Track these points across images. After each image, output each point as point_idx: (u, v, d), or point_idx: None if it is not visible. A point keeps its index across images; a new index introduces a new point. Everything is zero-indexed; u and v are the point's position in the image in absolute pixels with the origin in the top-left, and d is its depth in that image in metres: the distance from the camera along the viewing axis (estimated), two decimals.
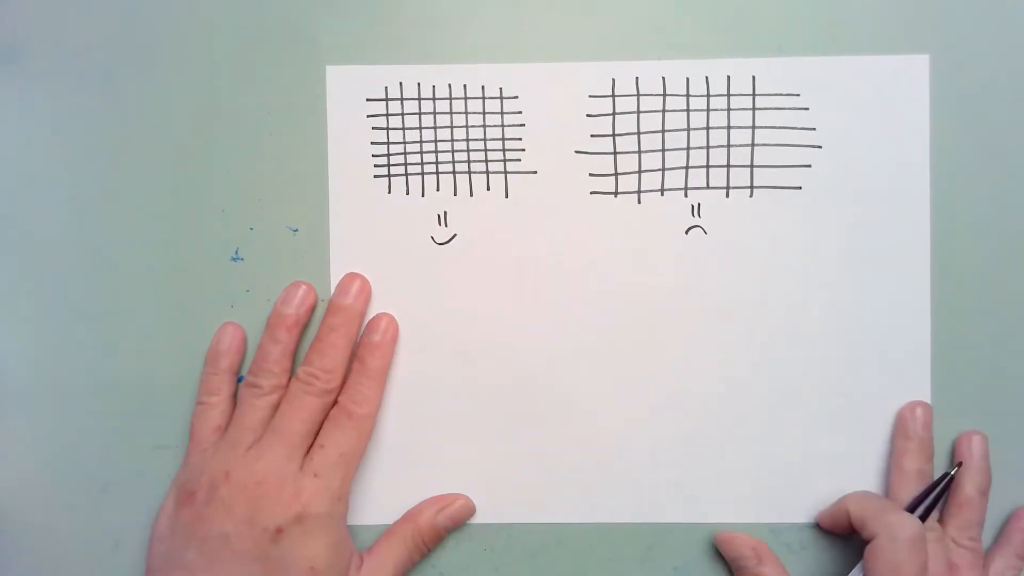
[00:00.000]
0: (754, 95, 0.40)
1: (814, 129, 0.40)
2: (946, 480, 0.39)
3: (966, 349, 0.40)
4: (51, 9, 0.41)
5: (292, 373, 0.41)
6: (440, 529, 0.41)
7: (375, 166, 0.41)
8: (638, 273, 0.41)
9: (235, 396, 0.41)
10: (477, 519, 0.41)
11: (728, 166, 0.40)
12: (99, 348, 0.42)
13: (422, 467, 0.41)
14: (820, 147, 0.40)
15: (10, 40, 0.41)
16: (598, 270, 0.41)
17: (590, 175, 0.41)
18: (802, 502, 0.41)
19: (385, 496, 0.41)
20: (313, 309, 0.41)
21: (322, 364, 0.39)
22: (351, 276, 0.41)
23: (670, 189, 0.41)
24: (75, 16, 0.41)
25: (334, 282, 0.41)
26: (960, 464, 0.40)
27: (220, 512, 0.37)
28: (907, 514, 0.37)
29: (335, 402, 0.40)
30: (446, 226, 0.41)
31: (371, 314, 0.41)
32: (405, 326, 0.41)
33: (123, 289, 0.42)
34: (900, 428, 0.40)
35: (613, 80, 0.40)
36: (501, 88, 0.41)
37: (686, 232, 0.41)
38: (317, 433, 0.39)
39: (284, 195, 0.41)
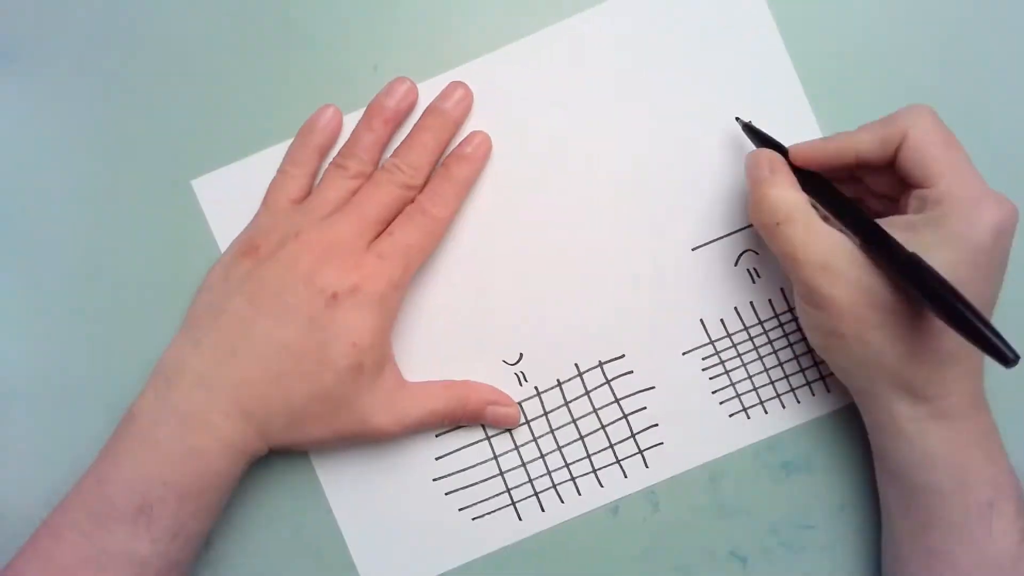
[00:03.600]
0: None
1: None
2: None
3: None
4: (51, 9, 0.42)
5: (377, 167, 0.41)
6: (481, 418, 0.41)
7: None
8: None
9: (315, 175, 0.41)
10: None
11: None
12: (99, 348, 0.42)
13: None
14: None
15: (10, 40, 0.42)
16: None
17: None
18: None
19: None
20: (413, 108, 0.41)
21: (407, 158, 0.40)
22: (455, 84, 0.41)
23: None
24: (75, 16, 0.42)
25: None
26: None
27: (280, 267, 0.38)
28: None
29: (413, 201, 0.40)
30: None
31: None
32: None
33: (123, 289, 0.42)
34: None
35: None
36: None
37: None
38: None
39: None
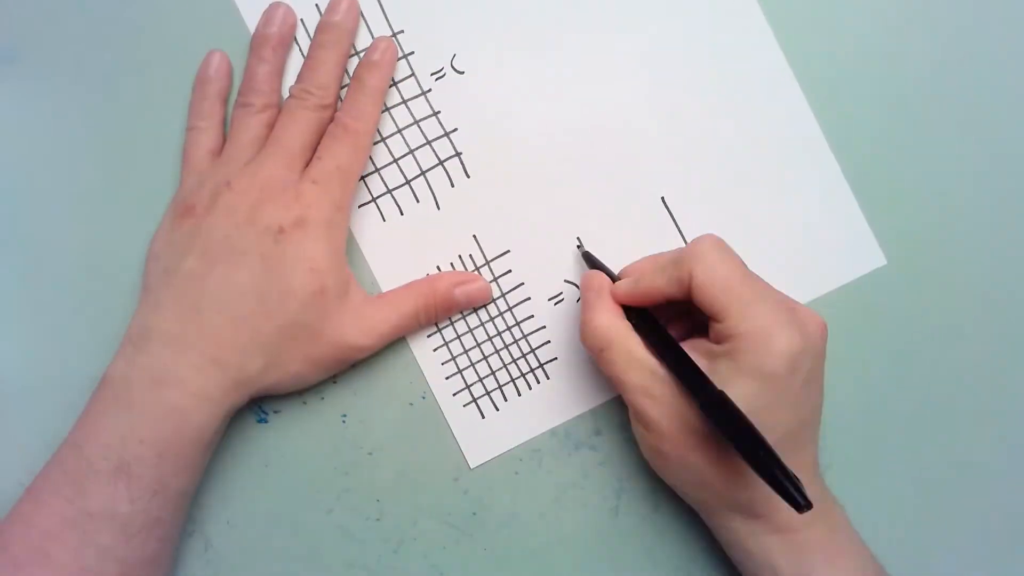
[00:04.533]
0: None
1: None
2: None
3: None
4: (50, 9, 0.42)
5: (282, 96, 0.40)
6: (453, 303, 0.41)
7: None
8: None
9: (224, 123, 0.41)
10: None
11: None
12: (99, 348, 0.41)
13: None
14: None
15: (10, 40, 0.42)
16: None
17: None
18: None
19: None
20: (295, 30, 0.41)
21: (313, 80, 0.39)
22: None
23: None
24: (74, 16, 0.42)
25: None
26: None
27: (221, 217, 0.38)
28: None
29: (331, 120, 0.40)
30: None
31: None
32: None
33: (123, 289, 0.42)
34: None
35: None
36: None
37: None
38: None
39: None
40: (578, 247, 0.42)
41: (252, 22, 0.42)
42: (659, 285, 0.36)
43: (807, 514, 0.31)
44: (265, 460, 0.42)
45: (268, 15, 0.41)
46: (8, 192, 0.42)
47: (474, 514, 0.42)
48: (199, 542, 0.42)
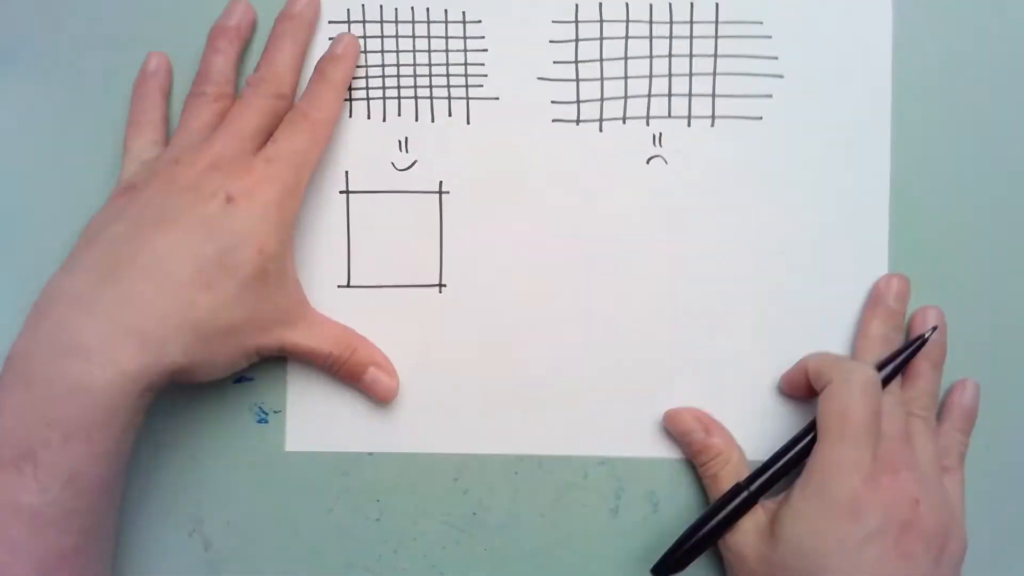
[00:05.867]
0: (717, 23, 0.40)
1: (776, 58, 0.40)
2: (916, 343, 0.38)
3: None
4: (50, 9, 0.41)
5: (237, 89, 0.40)
6: (360, 376, 0.39)
7: None
8: (599, 202, 0.40)
9: (166, 119, 0.40)
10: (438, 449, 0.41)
11: (690, 95, 0.40)
12: None
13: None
14: (782, 76, 0.40)
15: (10, 40, 0.42)
16: (559, 198, 0.40)
17: (552, 102, 0.40)
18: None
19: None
20: (254, 26, 0.41)
21: (270, 68, 0.38)
22: None
23: (632, 117, 0.40)
24: (74, 16, 0.41)
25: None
26: (935, 328, 0.38)
27: (161, 186, 0.36)
28: (862, 361, 0.37)
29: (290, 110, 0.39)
30: (407, 152, 0.41)
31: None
32: (362, 252, 0.41)
33: None
34: (872, 297, 0.40)
35: (576, 6, 0.40)
36: (464, 12, 0.40)
37: (647, 162, 0.40)
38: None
39: None
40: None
41: None
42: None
43: None
44: (265, 460, 0.41)
45: (228, 9, 0.40)
46: (8, 192, 0.42)
47: (474, 514, 0.41)
48: (199, 542, 0.41)
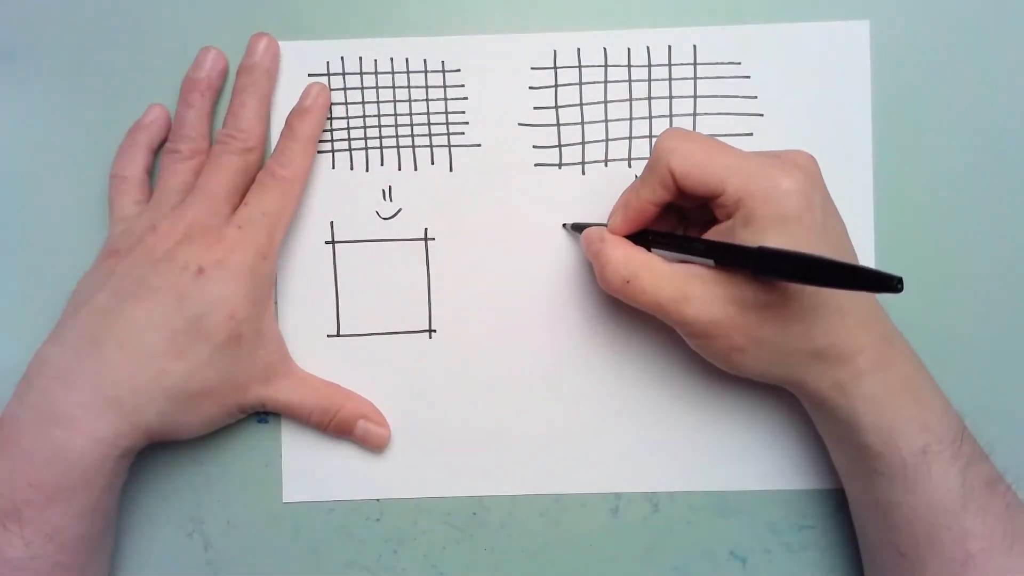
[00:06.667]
0: (695, 64, 0.40)
1: (755, 97, 0.40)
2: None
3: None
4: (50, 9, 0.42)
5: (212, 141, 0.40)
6: (349, 431, 0.40)
7: (319, 141, 0.40)
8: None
9: (150, 172, 0.41)
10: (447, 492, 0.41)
11: None
12: None
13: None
14: (762, 115, 0.40)
15: (10, 40, 0.42)
16: (544, 242, 0.41)
17: (534, 147, 0.41)
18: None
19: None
20: (225, 74, 0.41)
21: (235, 124, 0.39)
22: (257, 36, 0.40)
23: (614, 160, 0.41)
24: (75, 16, 0.41)
25: (287, 258, 0.41)
26: None
27: (140, 257, 0.37)
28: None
29: (259, 163, 0.39)
30: (391, 200, 0.41)
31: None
32: (351, 300, 0.41)
33: None
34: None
35: (555, 51, 0.40)
36: (443, 61, 0.40)
37: None
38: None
39: None
40: (563, 226, 0.41)
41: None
42: (648, 197, 0.36)
43: (886, 358, 0.34)
44: (265, 460, 0.41)
45: (198, 60, 0.40)
46: (8, 192, 0.42)
47: (474, 514, 0.42)
48: (199, 542, 0.42)
